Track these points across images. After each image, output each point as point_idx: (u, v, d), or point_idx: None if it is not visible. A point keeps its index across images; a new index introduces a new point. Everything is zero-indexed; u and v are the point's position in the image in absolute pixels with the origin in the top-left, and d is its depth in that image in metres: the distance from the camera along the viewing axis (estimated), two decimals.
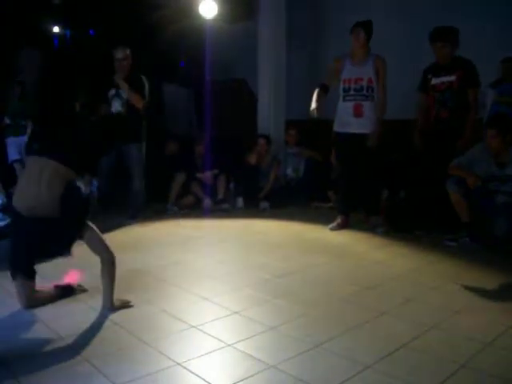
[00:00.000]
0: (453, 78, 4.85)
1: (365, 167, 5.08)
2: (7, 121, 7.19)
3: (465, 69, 4.80)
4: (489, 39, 6.06)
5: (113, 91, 5.74)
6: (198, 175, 6.74)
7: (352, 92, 5.12)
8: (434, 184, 4.80)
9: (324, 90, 5.23)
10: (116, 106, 5.72)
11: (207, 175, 6.71)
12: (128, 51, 5.69)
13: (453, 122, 4.85)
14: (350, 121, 5.15)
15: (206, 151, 6.87)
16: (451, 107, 4.87)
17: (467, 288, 3.43)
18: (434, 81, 4.99)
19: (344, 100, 5.21)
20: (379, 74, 5.09)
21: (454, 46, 4.86)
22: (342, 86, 5.22)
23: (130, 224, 5.66)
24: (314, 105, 5.10)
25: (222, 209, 6.54)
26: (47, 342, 2.56)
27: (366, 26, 5.14)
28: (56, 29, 9.84)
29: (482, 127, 4.81)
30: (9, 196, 6.33)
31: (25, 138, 7.36)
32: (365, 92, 5.08)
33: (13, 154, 7.51)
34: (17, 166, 7.44)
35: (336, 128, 5.34)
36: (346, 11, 7.86)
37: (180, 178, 6.54)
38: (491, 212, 4.46)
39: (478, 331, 2.68)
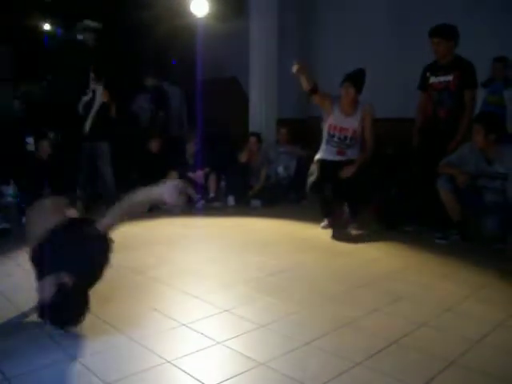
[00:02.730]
0: (450, 77, 4.83)
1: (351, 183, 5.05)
2: None
3: (463, 69, 4.78)
4: (481, 38, 6.07)
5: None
6: (190, 174, 6.72)
7: (336, 139, 5.11)
8: (424, 182, 4.82)
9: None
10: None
11: (199, 174, 6.70)
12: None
13: (450, 122, 4.84)
14: (334, 157, 5.14)
15: (197, 150, 6.85)
16: (449, 107, 4.86)
17: (457, 286, 3.44)
18: (432, 79, 4.99)
19: (327, 143, 5.19)
20: (365, 121, 5.07)
21: (451, 44, 4.84)
22: (327, 129, 5.19)
23: None
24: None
25: (213, 207, 6.54)
26: (34, 340, 2.55)
27: (357, 81, 5.08)
28: (46, 26, 9.81)
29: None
30: None
31: None
32: (348, 142, 5.09)
33: None
34: None
35: (319, 157, 5.26)
36: (336, 10, 7.90)
37: (172, 176, 6.52)
38: (481, 210, 4.49)
39: (467, 329, 2.70)
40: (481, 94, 6.10)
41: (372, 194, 5.22)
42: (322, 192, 5.10)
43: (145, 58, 8.94)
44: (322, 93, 5.12)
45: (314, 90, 5.04)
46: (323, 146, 5.23)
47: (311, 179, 5.11)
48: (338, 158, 5.10)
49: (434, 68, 5.02)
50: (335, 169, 5.01)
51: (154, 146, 6.90)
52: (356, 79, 5.09)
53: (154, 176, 6.43)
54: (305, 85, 4.95)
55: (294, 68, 4.83)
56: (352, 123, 5.07)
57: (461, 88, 4.80)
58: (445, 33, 4.83)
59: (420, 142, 5.14)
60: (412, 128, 5.24)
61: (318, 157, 5.24)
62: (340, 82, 5.11)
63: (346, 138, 5.08)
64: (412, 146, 5.23)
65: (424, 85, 5.11)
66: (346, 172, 4.95)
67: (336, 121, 5.11)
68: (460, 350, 2.42)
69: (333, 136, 5.12)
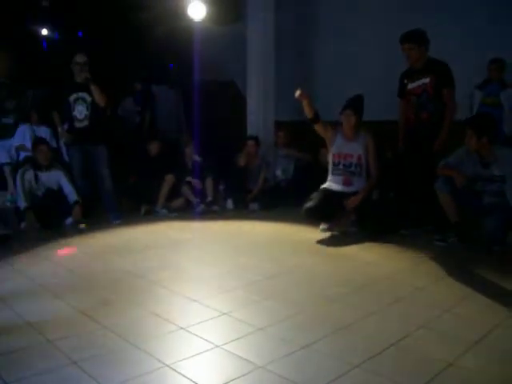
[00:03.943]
0: (427, 80, 4.89)
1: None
2: None
3: (438, 70, 4.84)
4: (478, 40, 6.10)
5: (74, 95, 5.78)
6: (189, 179, 6.72)
7: (341, 167, 5.12)
8: (416, 184, 4.86)
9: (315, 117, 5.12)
10: (80, 110, 5.77)
11: (197, 182, 6.70)
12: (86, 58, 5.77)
13: (433, 123, 4.88)
14: (339, 188, 5.12)
15: (194, 161, 6.84)
16: (430, 109, 4.91)
17: (455, 288, 3.45)
18: (411, 85, 5.04)
19: (333, 174, 5.19)
20: (369, 150, 5.11)
21: (422, 47, 4.89)
22: (331, 159, 5.21)
23: (117, 224, 5.74)
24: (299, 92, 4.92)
25: (211, 210, 6.54)
26: (35, 345, 2.56)
27: (357, 108, 5.12)
28: (44, 31, 9.82)
29: (464, 128, 4.85)
30: None
31: (12, 141, 7.36)
32: (353, 169, 5.09)
33: (2, 157, 7.49)
34: (6, 168, 7.42)
35: (325, 186, 5.23)
36: (333, 11, 7.92)
37: (169, 180, 6.53)
38: (479, 212, 4.49)
39: (466, 330, 2.71)
40: (477, 96, 6.16)
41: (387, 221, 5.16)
42: (316, 218, 5.17)
43: (136, 62, 8.96)
44: (324, 122, 5.16)
45: (316, 120, 5.08)
46: (329, 177, 5.23)
47: (309, 204, 5.03)
48: (344, 188, 5.09)
49: (410, 74, 5.08)
50: (340, 199, 5.01)
51: (153, 148, 6.92)
52: (356, 106, 5.13)
53: (150, 179, 6.52)
54: (307, 111, 5.01)
55: (297, 93, 4.87)
56: (356, 149, 5.09)
57: (438, 89, 4.85)
58: (415, 38, 4.89)
59: (406, 146, 5.17)
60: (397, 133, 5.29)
61: (323, 186, 5.22)
62: (340, 109, 5.16)
63: (350, 164, 5.08)
64: (399, 150, 5.27)
65: (403, 92, 5.17)
66: (352, 203, 4.97)
67: (339, 148, 5.14)
68: (458, 352, 2.42)
69: (338, 164, 5.14)
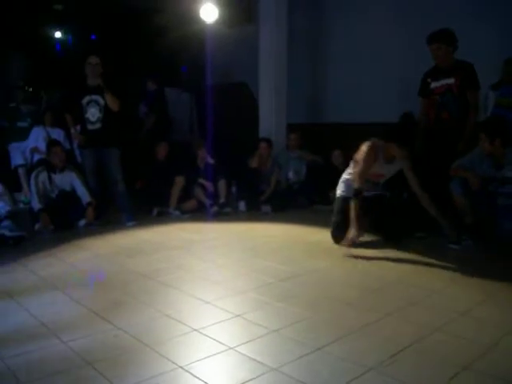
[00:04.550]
0: (452, 80, 4.88)
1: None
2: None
3: (463, 71, 4.83)
4: (490, 40, 6.06)
5: (87, 98, 5.81)
6: (201, 181, 6.73)
7: (369, 184, 4.78)
8: (434, 186, 4.81)
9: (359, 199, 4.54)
10: (93, 112, 5.80)
11: (209, 185, 6.71)
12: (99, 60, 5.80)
13: (453, 123, 4.87)
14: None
15: (207, 163, 6.85)
16: (452, 109, 4.90)
17: (471, 291, 3.42)
18: (434, 84, 5.03)
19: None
20: (404, 172, 4.70)
21: (450, 47, 4.88)
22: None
23: (131, 226, 5.76)
24: (353, 232, 4.41)
25: (224, 212, 6.55)
26: (49, 346, 2.57)
27: (400, 138, 4.57)
28: (58, 34, 9.91)
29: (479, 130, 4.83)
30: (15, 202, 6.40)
31: (27, 143, 7.42)
32: (379, 184, 4.90)
33: (17, 159, 7.56)
34: (21, 170, 7.49)
35: (342, 194, 4.95)
36: (346, 14, 7.90)
37: (179, 181, 6.55)
38: (494, 213, 4.46)
39: (482, 334, 2.68)
40: (492, 97, 6.11)
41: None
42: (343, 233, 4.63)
43: (150, 64, 9.00)
44: (369, 160, 4.59)
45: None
46: (346, 183, 4.91)
47: (334, 220, 4.84)
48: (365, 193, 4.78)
49: (435, 73, 5.06)
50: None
51: (161, 151, 6.94)
52: (400, 136, 4.61)
53: (160, 182, 6.55)
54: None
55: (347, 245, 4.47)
56: (389, 170, 4.79)
57: (463, 90, 4.85)
58: (444, 38, 4.87)
59: (425, 145, 5.13)
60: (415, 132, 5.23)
61: (339, 193, 4.97)
62: (382, 136, 4.68)
63: (378, 183, 4.89)
64: (417, 149, 5.20)
65: (425, 91, 5.14)
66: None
67: (375, 169, 4.73)
68: (474, 355, 2.40)
69: (366, 181, 4.74)
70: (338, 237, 4.70)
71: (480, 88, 4.94)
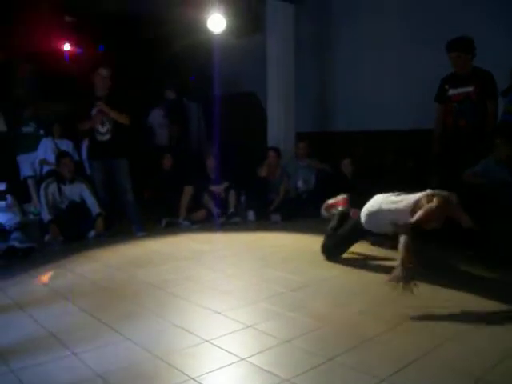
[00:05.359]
0: (470, 89, 4.88)
1: None
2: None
3: (483, 80, 4.84)
4: (500, 46, 6.03)
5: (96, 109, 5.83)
6: (212, 187, 6.74)
7: None
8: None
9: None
10: (102, 123, 5.81)
11: (217, 188, 6.72)
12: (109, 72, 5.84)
13: (470, 131, 4.86)
14: None
15: (216, 165, 6.88)
16: (469, 117, 4.90)
17: (483, 300, 3.38)
18: (452, 91, 5.02)
19: None
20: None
21: (469, 55, 4.87)
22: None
23: (141, 236, 5.75)
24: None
25: (233, 222, 6.54)
26: (59, 358, 2.56)
27: None
28: (67, 46, 9.96)
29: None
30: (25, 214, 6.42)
31: (36, 155, 7.45)
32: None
33: (26, 170, 7.59)
34: (30, 181, 7.52)
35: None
36: (353, 20, 7.90)
37: (188, 191, 6.56)
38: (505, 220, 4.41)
39: (494, 344, 2.64)
40: (501, 103, 6.08)
41: None
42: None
43: (163, 73, 9.04)
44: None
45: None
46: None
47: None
48: None
49: (453, 80, 5.05)
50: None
51: (166, 163, 6.96)
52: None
53: (169, 192, 6.56)
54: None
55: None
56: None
57: (482, 98, 4.83)
58: (463, 46, 4.87)
59: (441, 152, 5.12)
60: (431, 137, 5.22)
61: (340, 209, 4.81)
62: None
63: None
64: (432, 154, 5.19)
65: (442, 97, 5.12)
66: None
67: None
68: (486, 366, 2.37)
69: None
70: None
71: (498, 97, 4.93)
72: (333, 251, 4.52)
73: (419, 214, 3.56)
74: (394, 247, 4.15)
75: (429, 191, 3.78)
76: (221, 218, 6.56)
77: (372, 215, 4.07)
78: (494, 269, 4.08)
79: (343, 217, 4.64)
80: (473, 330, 2.85)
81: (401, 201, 3.88)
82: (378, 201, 4.07)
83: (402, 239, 3.41)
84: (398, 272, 3.23)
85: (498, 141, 4.41)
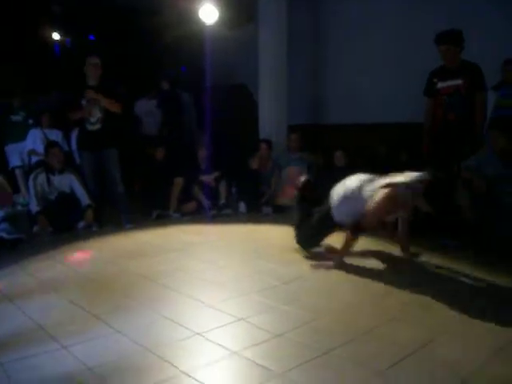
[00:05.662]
0: (459, 81, 4.88)
1: None
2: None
3: (471, 73, 4.84)
4: (492, 40, 6.01)
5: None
6: (202, 177, 6.70)
7: None
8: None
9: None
10: (93, 113, 5.73)
11: (207, 178, 6.68)
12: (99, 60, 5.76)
13: (460, 124, 4.85)
14: None
15: (207, 155, 6.83)
16: (458, 111, 4.89)
17: (479, 293, 3.37)
18: (441, 85, 5.01)
19: None
20: None
21: (458, 48, 4.88)
22: None
23: (130, 228, 5.71)
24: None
25: (224, 214, 6.50)
26: (48, 351, 2.52)
27: None
28: (56, 36, 9.86)
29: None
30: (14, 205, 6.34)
31: (25, 145, 7.35)
32: None
33: (14, 160, 7.49)
34: (18, 172, 7.42)
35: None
36: (346, 13, 7.86)
37: (178, 183, 6.50)
38: (498, 214, 4.41)
39: (490, 337, 2.63)
40: (491, 98, 6.07)
41: None
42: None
43: (154, 63, 8.98)
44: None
45: None
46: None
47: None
48: None
49: (441, 73, 5.05)
50: None
51: (158, 155, 6.90)
52: None
53: (159, 184, 6.50)
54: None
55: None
56: None
57: (471, 91, 4.83)
58: (453, 39, 4.87)
59: (431, 146, 5.11)
60: (421, 133, 5.22)
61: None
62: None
63: None
64: (422, 149, 5.19)
65: (431, 90, 5.11)
66: None
67: None
68: (484, 358, 2.35)
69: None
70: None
71: (487, 89, 4.94)
72: (308, 243, 4.48)
73: (368, 213, 3.74)
74: (389, 236, 4.20)
75: (388, 180, 3.79)
76: (212, 209, 6.51)
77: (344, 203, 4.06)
78: (486, 261, 4.07)
79: (303, 207, 4.68)
80: (470, 323, 2.83)
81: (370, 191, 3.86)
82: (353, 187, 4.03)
83: (349, 234, 3.84)
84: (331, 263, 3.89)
85: (494, 133, 4.40)
